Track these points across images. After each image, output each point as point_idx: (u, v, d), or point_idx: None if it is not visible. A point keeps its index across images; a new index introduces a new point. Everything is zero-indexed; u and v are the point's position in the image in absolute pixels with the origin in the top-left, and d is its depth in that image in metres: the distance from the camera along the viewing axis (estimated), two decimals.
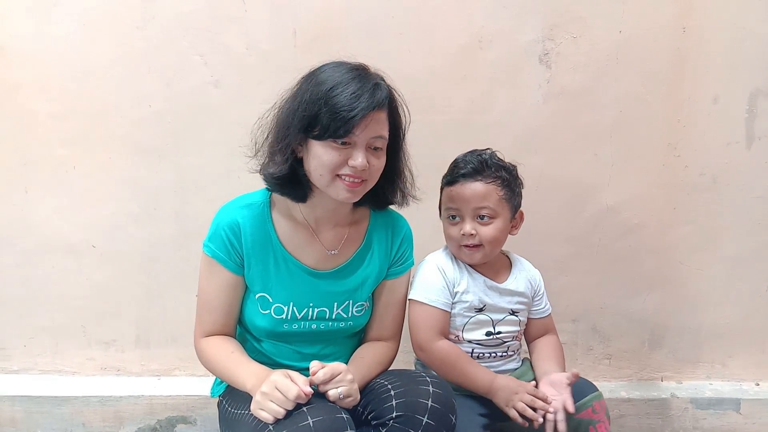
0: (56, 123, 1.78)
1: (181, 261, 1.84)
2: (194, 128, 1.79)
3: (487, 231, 1.34)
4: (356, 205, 1.26)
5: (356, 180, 1.12)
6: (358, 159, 1.09)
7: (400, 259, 1.32)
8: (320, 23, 1.73)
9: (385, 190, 1.24)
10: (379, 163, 1.15)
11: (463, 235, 1.34)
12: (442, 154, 1.79)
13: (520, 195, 1.42)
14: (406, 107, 1.21)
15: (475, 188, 1.33)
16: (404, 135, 1.23)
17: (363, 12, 1.73)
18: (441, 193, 1.44)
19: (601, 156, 1.82)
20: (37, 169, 1.81)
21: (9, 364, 1.92)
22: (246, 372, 1.13)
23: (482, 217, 1.33)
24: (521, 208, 1.44)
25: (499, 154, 1.41)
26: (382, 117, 1.13)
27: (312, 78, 1.13)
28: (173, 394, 1.83)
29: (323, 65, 1.16)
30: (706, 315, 1.93)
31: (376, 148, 1.14)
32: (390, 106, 1.15)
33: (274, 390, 1.02)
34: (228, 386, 1.29)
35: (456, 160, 1.42)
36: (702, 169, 1.83)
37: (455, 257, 1.44)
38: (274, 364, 1.24)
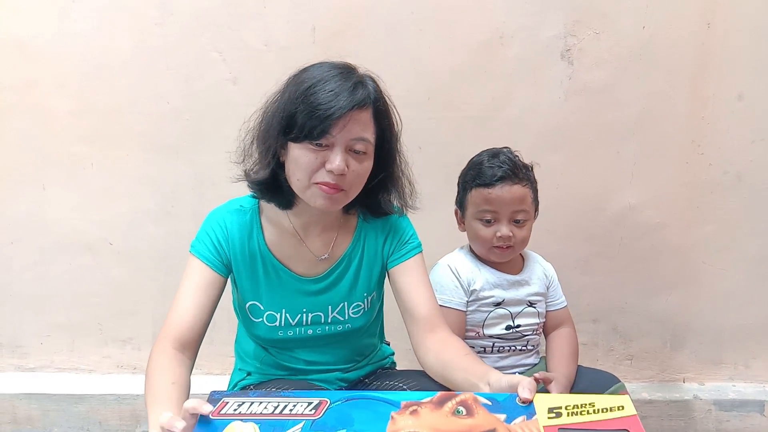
0: (74, 120, 1.78)
1: None
2: (212, 125, 1.78)
3: (522, 233, 1.37)
4: (346, 210, 1.19)
5: (333, 188, 1.04)
6: (336, 161, 1.01)
7: (399, 246, 1.23)
8: (339, 20, 1.72)
9: (379, 198, 1.18)
10: (361, 168, 1.06)
11: (500, 237, 1.36)
12: (461, 151, 1.77)
13: (537, 189, 1.44)
14: (397, 112, 1.12)
15: (513, 191, 1.34)
16: (397, 139, 1.15)
17: (382, 8, 1.71)
18: (465, 192, 1.41)
19: (623, 154, 1.80)
20: (55, 166, 1.81)
21: (26, 362, 1.92)
22: (158, 412, 0.90)
23: (518, 221, 1.36)
24: None
25: (518, 154, 1.41)
26: (365, 117, 1.04)
27: (295, 78, 1.07)
28: (190, 392, 1.82)
29: (309, 65, 1.09)
30: (729, 315, 1.90)
31: (357, 152, 1.04)
32: (375, 106, 1.06)
33: None
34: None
35: (480, 160, 1.40)
36: (726, 167, 1.80)
37: (475, 255, 1.44)
38: (283, 368, 1.24)
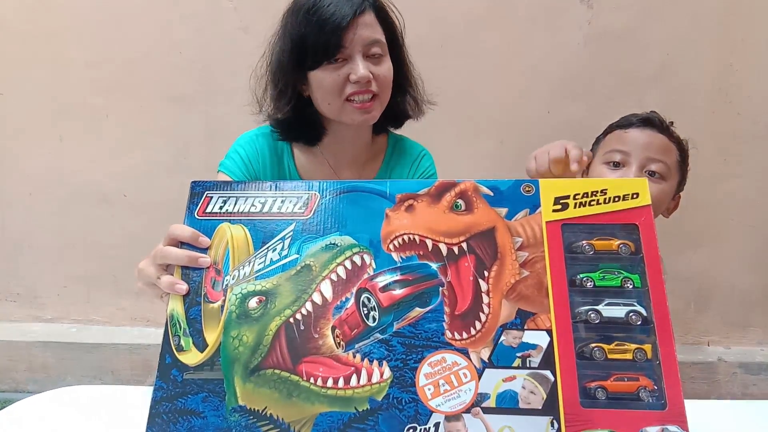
0: (90, 71, 1.79)
1: None
2: (224, 75, 1.77)
3: (653, 189, 1.00)
4: (375, 132, 1.20)
5: (365, 97, 1.04)
6: (359, 70, 1.00)
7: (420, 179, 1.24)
8: None
9: (399, 103, 1.17)
10: (384, 69, 1.05)
11: None
12: (476, 100, 1.74)
13: (686, 177, 1.21)
14: (396, 9, 1.11)
15: (653, 136, 1.12)
16: (402, 39, 1.14)
17: None
18: (598, 142, 1.22)
19: (645, 103, 1.71)
20: (71, 117, 1.83)
21: (43, 313, 1.95)
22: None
23: (653, 173, 1.09)
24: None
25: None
26: (371, 20, 1.04)
27: (289, 10, 1.08)
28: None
29: None
30: (759, 276, 1.82)
31: (375, 55, 1.04)
32: (375, 6, 1.06)
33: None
34: None
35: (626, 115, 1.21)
36: (755, 117, 1.72)
37: None
38: None
